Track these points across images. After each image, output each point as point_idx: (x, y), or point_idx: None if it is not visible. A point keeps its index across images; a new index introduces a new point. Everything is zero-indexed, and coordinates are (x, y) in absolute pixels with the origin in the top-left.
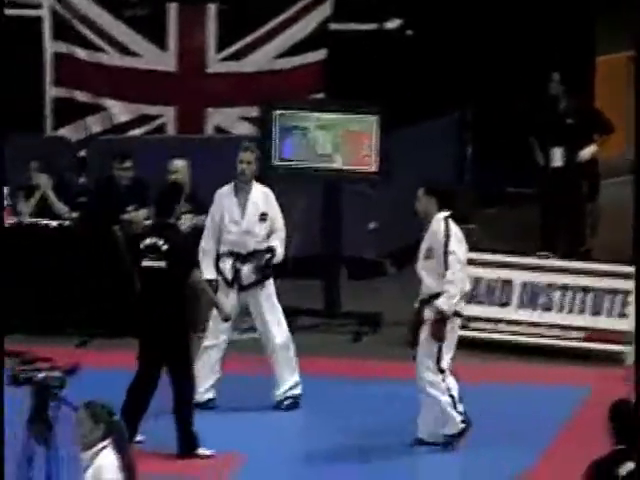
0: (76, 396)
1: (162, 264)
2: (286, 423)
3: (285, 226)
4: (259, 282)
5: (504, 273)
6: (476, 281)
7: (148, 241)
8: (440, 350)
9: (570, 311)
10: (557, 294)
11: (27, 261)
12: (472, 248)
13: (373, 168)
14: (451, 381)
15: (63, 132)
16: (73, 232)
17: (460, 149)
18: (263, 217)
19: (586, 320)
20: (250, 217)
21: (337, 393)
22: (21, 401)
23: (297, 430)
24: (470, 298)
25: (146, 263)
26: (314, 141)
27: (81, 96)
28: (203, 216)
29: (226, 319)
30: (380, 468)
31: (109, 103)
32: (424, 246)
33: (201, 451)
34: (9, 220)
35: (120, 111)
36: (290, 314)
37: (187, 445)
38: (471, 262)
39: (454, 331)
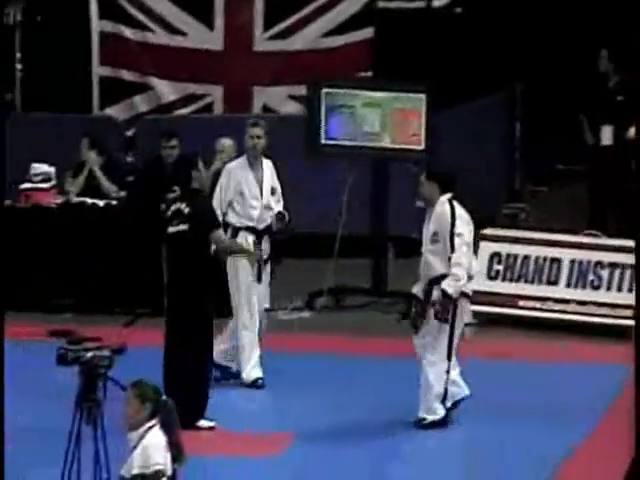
0: (124, 375)
1: (184, 227)
2: (333, 401)
3: (334, 205)
4: (276, 257)
5: (553, 251)
6: (525, 259)
7: (173, 208)
8: (452, 335)
9: (619, 289)
10: (606, 272)
11: (74, 241)
12: (521, 226)
13: (421, 146)
14: (452, 374)
15: (110, 111)
16: (120, 211)
17: (509, 127)
18: (273, 191)
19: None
20: (266, 192)
21: (384, 372)
22: (70, 381)
23: (344, 409)
24: (518, 276)
25: (170, 229)
26: (362, 119)
27: (128, 75)
28: None
29: (258, 260)
30: (427, 445)
31: (156, 82)
32: (430, 230)
33: (205, 424)
34: (56, 200)
35: (167, 90)
36: (338, 293)
37: (191, 417)
38: (520, 240)
39: (462, 313)
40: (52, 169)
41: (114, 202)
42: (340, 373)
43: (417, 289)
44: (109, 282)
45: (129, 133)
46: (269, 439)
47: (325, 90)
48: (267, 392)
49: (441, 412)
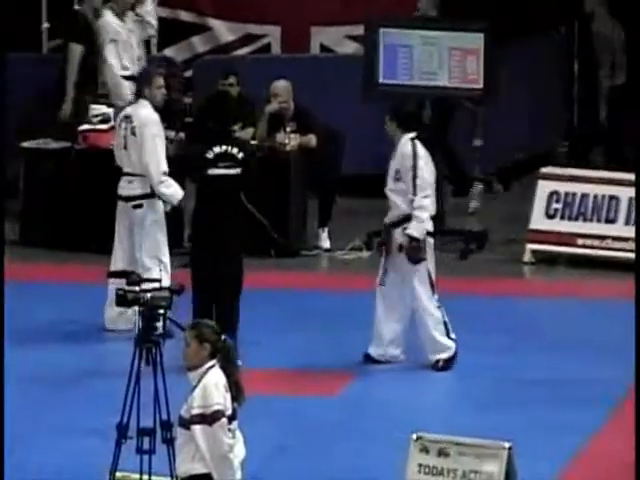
0: (183, 316)
1: (235, 171)
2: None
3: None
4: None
5: (611, 189)
6: (583, 197)
7: (217, 149)
8: (429, 273)
9: None
10: None
11: None
12: (579, 165)
13: (479, 85)
14: (441, 307)
15: (168, 52)
16: (180, 153)
17: (567, 65)
18: None
19: None
20: None
21: (447, 310)
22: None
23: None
24: (577, 215)
25: (218, 171)
26: (419, 59)
27: (186, 16)
28: (310, 135)
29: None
30: (485, 383)
31: (214, 23)
32: (393, 168)
33: None
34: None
35: (225, 31)
36: None
37: None
38: (578, 179)
39: (431, 250)
40: (111, 110)
41: (174, 143)
42: None
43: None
44: (168, 223)
45: (187, 74)
46: (327, 378)
47: (383, 29)
48: (325, 331)
49: (452, 345)
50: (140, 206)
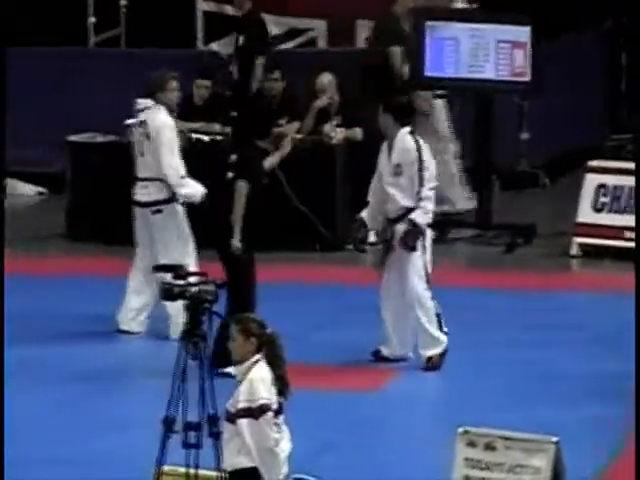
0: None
1: (231, 174)
2: None
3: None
4: None
5: None
6: (631, 191)
7: (234, 157)
8: (425, 265)
9: None
10: None
11: None
12: (627, 158)
13: (525, 78)
14: (435, 299)
15: (214, 46)
16: (225, 146)
17: (614, 59)
18: None
19: None
20: None
21: (490, 304)
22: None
23: (452, 341)
24: (625, 208)
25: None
26: (466, 52)
27: (231, 10)
28: (356, 129)
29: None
30: (531, 380)
31: None
32: (392, 162)
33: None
34: None
35: (270, 25)
36: (443, 226)
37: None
38: (626, 172)
39: (429, 244)
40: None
41: (219, 137)
42: (444, 306)
43: (365, 214)
44: (214, 216)
45: (233, 68)
46: (372, 373)
47: (429, 23)
48: (370, 325)
49: (444, 340)
50: (159, 211)
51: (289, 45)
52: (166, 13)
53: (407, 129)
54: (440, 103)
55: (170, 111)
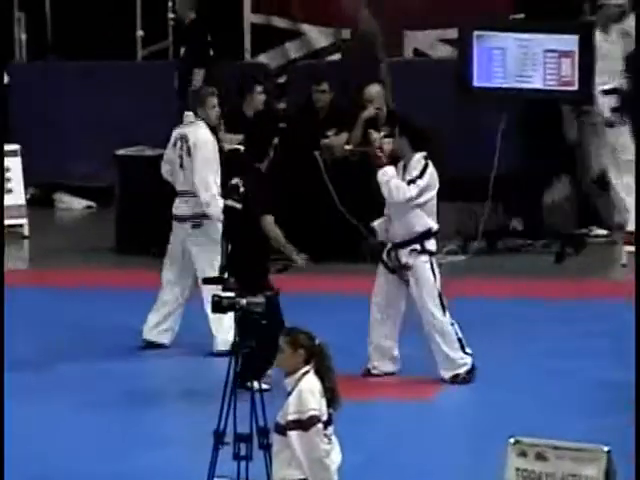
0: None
1: (238, 206)
2: (483, 345)
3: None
4: None
5: None
6: None
7: (234, 181)
8: (439, 291)
9: None
10: None
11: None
12: None
13: (574, 87)
14: (455, 324)
15: (262, 58)
16: (275, 158)
17: None
18: None
19: None
20: None
21: (540, 314)
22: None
23: (492, 353)
24: None
25: (227, 202)
26: (513, 61)
27: (279, 22)
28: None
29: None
30: (584, 389)
31: (307, 28)
32: (405, 181)
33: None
34: None
35: (318, 36)
36: (492, 236)
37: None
38: None
39: (436, 268)
40: None
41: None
42: (496, 317)
43: (377, 224)
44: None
45: (281, 80)
46: (422, 383)
47: (476, 32)
48: (420, 335)
49: (468, 360)
50: (199, 225)
51: (336, 56)
52: (215, 25)
53: (422, 154)
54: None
55: (210, 127)
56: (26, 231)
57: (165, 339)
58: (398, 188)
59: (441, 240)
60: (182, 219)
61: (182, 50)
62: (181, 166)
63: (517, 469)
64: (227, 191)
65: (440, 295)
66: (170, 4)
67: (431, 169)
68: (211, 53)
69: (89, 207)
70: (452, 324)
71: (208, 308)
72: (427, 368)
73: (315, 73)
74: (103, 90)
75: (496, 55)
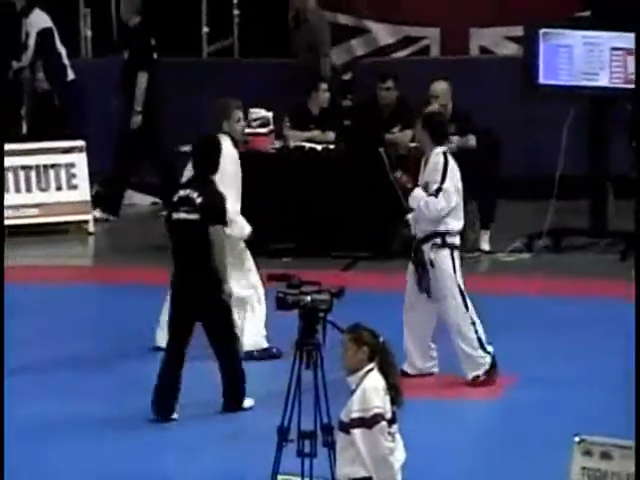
0: (343, 319)
1: (195, 217)
2: (555, 344)
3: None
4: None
5: None
6: None
7: (182, 193)
8: (460, 288)
9: None
10: None
11: (293, 185)
12: None
13: None
14: (477, 320)
15: None
16: (339, 155)
17: None
18: None
19: None
20: None
21: (605, 313)
22: (288, 325)
23: (560, 351)
24: None
25: (176, 216)
26: (579, 59)
27: (344, 19)
28: (469, 136)
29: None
30: None
31: (372, 26)
32: (423, 180)
33: (246, 403)
34: (274, 144)
35: (384, 33)
36: (557, 234)
37: (233, 400)
38: None
39: (459, 264)
40: (270, 114)
41: (332, 146)
42: (560, 315)
43: (411, 217)
44: (328, 226)
45: (346, 77)
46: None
47: (543, 30)
48: (487, 333)
49: (487, 360)
50: None
51: (402, 54)
52: (279, 22)
53: (442, 149)
54: None
55: (234, 141)
56: (91, 228)
57: None
58: (427, 204)
59: (506, 238)
60: None
61: (125, 53)
62: None
63: (583, 468)
64: (176, 203)
65: (461, 291)
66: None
67: (452, 165)
68: (155, 56)
69: (154, 203)
70: (473, 323)
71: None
72: (498, 364)
73: (380, 70)
74: (168, 86)
75: (562, 53)
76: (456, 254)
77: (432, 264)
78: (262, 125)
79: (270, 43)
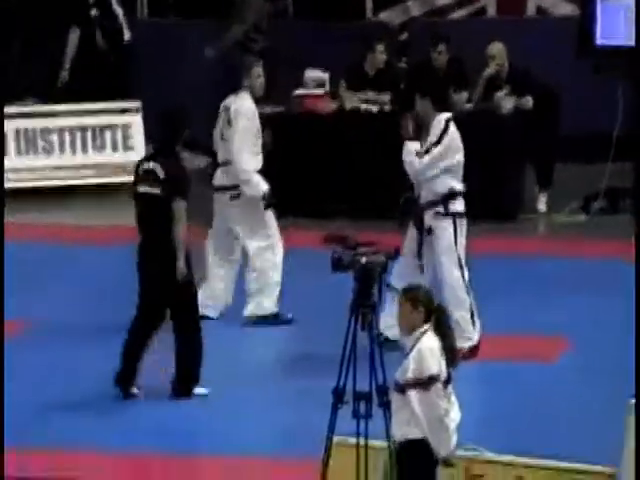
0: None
1: (157, 191)
2: (607, 305)
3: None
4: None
5: None
6: None
7: (146, 166)
8: (459, 255)
9: None
10: None
11: (348, 147)
12: None
13: None
14: (469, 295)
15: (384, 16)
16: (394, 117)
17: None
18: None
19: None
20: None
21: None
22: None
23: (615, 313)
24: None
25: (141, 189)
26: (637, 19)
27: None
28: (526, 97)
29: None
30: None
31: None
32: (424, 149)
33: (199, 390)
34: (330, 105)
35: None
36: (613, 196)
37: (183, 387)
38: None
39: (463, 231)
40: (326, 75)
41: (387, 107)
42: (616, 278)
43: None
44: (382, 187)
45: (403, 37)
46: (545, 344)
47: None
48: (542, 295)
49: (474, 336)
50: (238, 196)
51: (459, 14)
52: None
53: (446, 115)
54: None
55: (254, 97)
56: None
57: (214, 313)
58: (410, 164)
59: (562, 199)
60: (222, 189)
61: None
62: (222, 138)
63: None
64: (139, 176)
65: (459, 260)
66: None
67: (452, 131)
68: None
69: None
70: (468, 293)
71: (249, 273)
72: (553, 327)
73: (436, 31)
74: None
75: (619, 12)
76: (459, 222)
77: (430, 232)
78: (318, 86)
79: (326, 4)
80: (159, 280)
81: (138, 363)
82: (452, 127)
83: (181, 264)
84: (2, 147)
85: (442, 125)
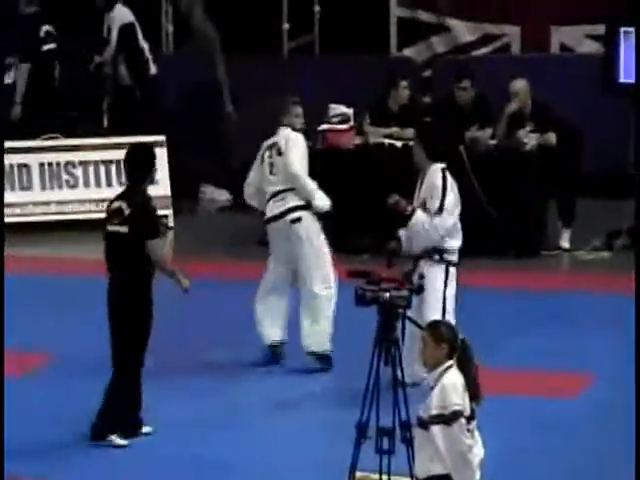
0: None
1: (125, 229)
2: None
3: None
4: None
5: None
6: None
7: (115, 205)
8: (444, 302)
9: None
10: None
11: (372, 182)
12: None
13: None
14: None
15: (408, 52)
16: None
17: None
18: None
19: None
20: None
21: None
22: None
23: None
24: None
25: (109, 228)
26: None
27: (425, 16)
28: (549, 134)
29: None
30: None
31: (453, 23)
32: (420, 197)
33: (115, 440)
34: (354, 140)
35: (464, 31)
36: (636, 233)
37: (99, 432)
38: None
39: (454, 280)
40: (350, 110)
41: (411, 143)
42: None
43: (404, 233)
44: (406, 223)
45: (427, 74)
46: (569, 379)
47: (624, 29)
48: (566, 331)
49: None
50: (299, 220)
51: (483, 51)
52: (360, 18)
53: (440, 165)
54: None
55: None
56: (171, 222)
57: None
58: (436, 226)
59: (584, 236)
60: (278, 217)
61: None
62: (271, 173)
63: None
64: (107, 215)
65: (444, 309)
66: None
67: (450, 182)
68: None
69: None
70: None
71: (303, 309)
72: (577, 362)
73: (460, 68)
74: (248, 84)
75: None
76: (452, 270)
77: (421, 277)
78: (342, 121)
79: (351, 39)
80: (126, 318)
81: (139, 406)
82: (450, 179)
83: (185, 281)
84: (2, 176)
85: (440, 176)
